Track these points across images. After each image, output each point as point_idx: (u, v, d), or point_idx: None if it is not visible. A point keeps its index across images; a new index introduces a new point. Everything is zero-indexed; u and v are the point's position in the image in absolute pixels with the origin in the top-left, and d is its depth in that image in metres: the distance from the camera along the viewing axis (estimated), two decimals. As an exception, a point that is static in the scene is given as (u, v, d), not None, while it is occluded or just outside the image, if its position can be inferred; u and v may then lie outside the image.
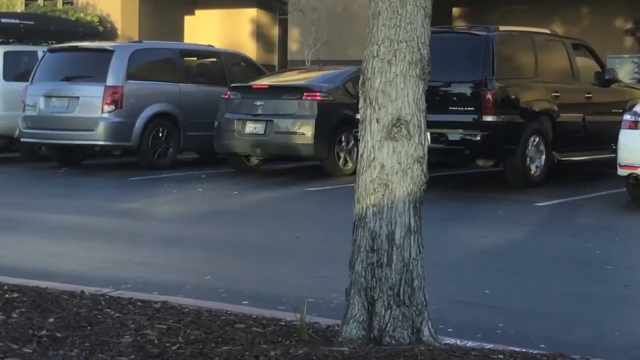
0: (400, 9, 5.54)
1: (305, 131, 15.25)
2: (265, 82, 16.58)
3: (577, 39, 16.61)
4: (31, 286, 7.12)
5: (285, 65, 22.86)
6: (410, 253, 5.54)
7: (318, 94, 15.50)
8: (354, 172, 15.10)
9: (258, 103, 15.60)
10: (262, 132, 15.46)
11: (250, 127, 15.58)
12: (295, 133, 15.33)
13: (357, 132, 5.77)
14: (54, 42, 18.74)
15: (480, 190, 14.48)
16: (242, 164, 16.47)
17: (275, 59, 26.68)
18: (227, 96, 16.07)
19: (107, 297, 6.88)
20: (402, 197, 5.52)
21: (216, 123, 16.02)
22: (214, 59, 18.50)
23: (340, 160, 15.66)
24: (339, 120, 15.51)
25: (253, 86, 16.18)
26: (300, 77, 16.93)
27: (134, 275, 8.29)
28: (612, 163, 12.97)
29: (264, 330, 5.98)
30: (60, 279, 7.82)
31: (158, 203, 13.05)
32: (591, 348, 6.21)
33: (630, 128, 12.55)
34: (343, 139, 15.66)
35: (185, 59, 17.93)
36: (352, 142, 15.60)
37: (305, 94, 15.49)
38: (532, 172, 14.20)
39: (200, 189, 14.24)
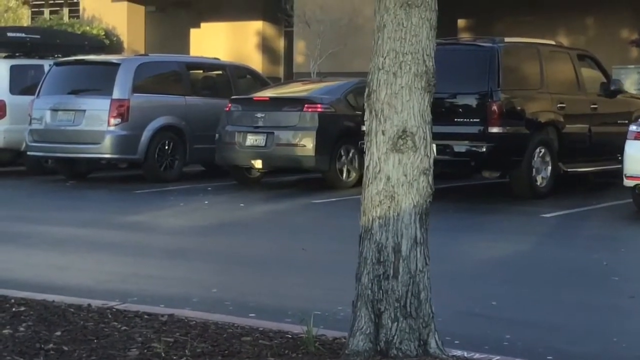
0: (405, 21, 5.55)
1: (307, 143, 15.22)
2: (266, 94, 16.54)
3: (583, 50, 16.62)
4: (38, 299, 7.12)
5: (291, 77, 22.88)
6: (416, 265, 5.54)
7: (319, 105, 15.47)
8: (355, 185, 15.30)
9: (259, 115, 15.59)
10: (263, 144, 15.44)
11: (251, 139, 15.57)
12: (296, 145, 15.30)
13: (363, 144, 5.78)
14: (60, 55, 18.78)
15: (486, 201, 14.48)
16: (243, 176, 16.45)
17: (281, 71, 26.71)
18: (228, 108, 16.07)
19: (114, 310, 6.88)
20: (408, 209, 5.53)
21: (217, 135, 16.03)
22: (220, 72, 18.53)
23: (342, 173, 15.64)
24: (340, 132, 15.51)
25: (254, 98, 16.18)
26: (301, 88, 16.93)
27: (141, 288, 8.30)
28: (618, 174, 12.96)
29: (271, 342, 5.98)
30: (67, 292, 7.82)
31: (164, 216, 13.06)
32: (598, 359, 6.19)
33: (636, 139, 12.54)
34: (344, 151, 15.63)
35: (191, 71, 17.95)
36: (354, 153, 15.57)
37: (306, 105, 15.46)
38: (538, 183, 14.19)
39: (206, 202, 14.24)
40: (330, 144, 15.35)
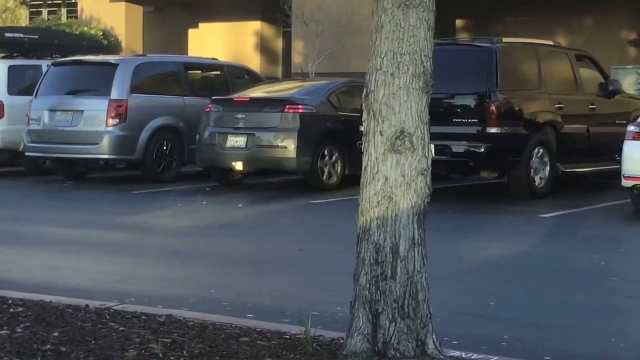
0: (403, 21, 5.55)
1: (288, 144, 14.98)
2: (247, 94, 16.28)
3: (581, 50, 16.62)
4: (35, 300, 7.12)
5: (289, 77, 22.87)
6: (414, 265, 5.54)
7: (300, 106, 15.21)
8: (338, 187, 15.10)
9: (239, 116, 15.36)
10: (244, 146, 15.20)
11: (232, 141, 15.32)
12: (277, 146, 15.04)
13: (361, 144, 5.77)
14: (58, 56, 18.77)
15: (484, 202, 14.48)
16: (224, 178, 16.17)
17: (279, 71, 26.71)
18: (208, 109, 15.82)
19: (112, 310, 6.88)
20: (406, 210, 5.52)
21: (197, 136, 15.80)
22: (218, 72, 18.53)
23: (324, 174, 15.36)
24: (322, 133, 15.30)
25: (234, 99, 15.96)
26: (282, 89, 16.70)
27: (139, 288, 8.29)
28: (617, 174, 12.96)
29: (269, 343, 5.97)
30: (65, 292, 7.81)
31: (162, 216, 13.06)
32: (596, 359, 6.19)
33: (634, 139, 12.55)
34: (326, 152, 15.37)
35: (189, 72, 17.95)
36: (336, 155, 15.38)
37: (287, 106, 15.20)
38: (536, 184, 14.19)
39: (204, 202, 14.24)
40: (312, 146, 15.11)
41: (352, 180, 15.36)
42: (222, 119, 15.63)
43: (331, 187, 15.26)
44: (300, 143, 14.97)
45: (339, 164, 15.47)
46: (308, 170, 15.23)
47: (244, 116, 15.33)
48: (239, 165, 15.40)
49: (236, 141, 15.29)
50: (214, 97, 16.16)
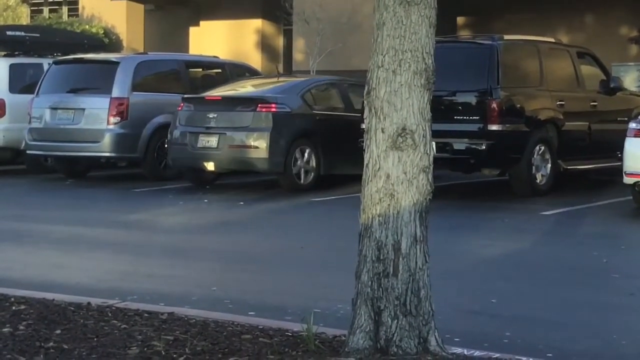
0: (404, 19, 5.55)
1: (260, 144, 14.57)
2: (218, 93, 15.84)
3: (582, 47, 16.60)
4: (38, 298, 7.12)
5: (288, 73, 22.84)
6: (416, 263, 5.54)
7: (273, 105, 14.79)
8: (312, 188, 14.86)
9: (211, 115, 14.95)
10: (215, 146, 14.80)
11: (203, 141, 14.92)
12: (249, 146, 14.65)
13: (362, 141, 5.77)
14: (59, 54, 18.77)
15: (485, 199, 14.48)
16: (197, 178, 15.82)
17: (280, 69, 26.68)
18: (180, 108, 15.45)
19: (114, 308, 6.88)
20: (408, 207, 5.53)
21: (169, 136, 15.48)
22: (219, 70, 18.52)
23: (299, 175, 14.99)
24: (296, 133, 14.89)
25: (206, 97, 15.57)
26: (255, 87, 16.30)
27: (141, 286, 8.30)
28: (618, 171, 12.96)
29: (271, 340, 5.98)
30: (67, 290, 7.82)
31: (164, 214, 13.06)
32: (598, 357, 6.20)
33: (635, 136, 12.55)
34: (300, 152, 14.97)
35: (190, 70, 17.94)
36: (310, 155, 15.03)
37: (259, 105, 14.78)
38: (538, 181, 14.18)
39: (206, 200, 14.24)
40: (285, 146, 14.70)
41: (328, 181, 15.25)
42: (194, 118, 15.24)
43: (305, 188, 14.92)
44: (273, 143, 14.58)
45: (314, 165, 15.10)
46: (281, 171, 14.84)
47: (215, 115, 14.93)
48: (210, 166, 14.99)
49: (207, 141, 14.90)
50: (185, 96, 15.78)
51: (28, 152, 17.19)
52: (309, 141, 15.09)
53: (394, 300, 5.50)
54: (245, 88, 16.35)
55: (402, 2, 5.54)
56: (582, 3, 22.12)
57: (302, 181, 15.08)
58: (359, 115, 15.73)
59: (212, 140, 14.87)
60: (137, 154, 16.41)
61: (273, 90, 15.50)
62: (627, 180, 12.56)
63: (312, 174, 15.15)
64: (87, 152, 16.50)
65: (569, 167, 14.64)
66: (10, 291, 7.44)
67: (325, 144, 15.10)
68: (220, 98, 15.50)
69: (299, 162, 15.02)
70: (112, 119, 16.18)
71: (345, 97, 16.18)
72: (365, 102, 5.69)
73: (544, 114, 14.38)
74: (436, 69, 5.66)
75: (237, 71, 18.80)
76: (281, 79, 16.47)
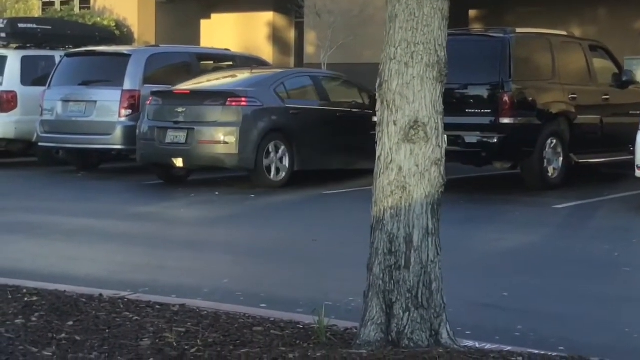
0: (417, 11, 5.54)
1: (229, 140, 14.15)
2: (187, 86, 15.34)
3: (594, 41, 16.57)
4: (50, 290, 7.14)
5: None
6: (428, 255, 5.54)
7: (243, 99, 14.36)
8: (286, 184, 14.57)
9: (180, 109, 14.49)
10: (184, 141, 14.35)
11: (171, 136, 14.48)
12: (218, 142, 14.22)
13: (374, 133, 5.77)
14: (71, 46, 18.80)
15: (497, 192, 14.46)
16: (166, 174, 15.38)
17: (291, 62, 26.69)
18: (148, 102, 15.03)
19: (126, 300, 6.90)
20: (420, 200, 5.52)
21: (137, 131, 15.07)
22: (230, 63, 18.50)
23: (270, 171, 14.56)
24: (267, 128, 14.45)
25: (174, 91, 15.07)
26: (226, 80, 15.69)
27: (152, 278, 8.31)
28: (630, 165, 12.93)
29: (282, 333, 5.98)
30: (79, 282, 7.84)
31: (175, 207, 13.08)
32: (610, 350, 6.19)
33: (647, 130, 12.51)
34: (272, 147, 14.52)
35: (201, 62, 17.94)
36: (283, 150, 14.61)
37: (229, 99, 14.35)
38: (550, 174, 14.16)
39: (217, 192, 14.25)
40: (256, 141, 14.26)
41: (302, 176, 14.97)
42: (162, 113, 14.78)
43: (278, 185, 14.55)
44: (243, 138, 14.15)
45: (287, 160, 14.68)
46: (252, 168, 14.41)
47: (184, 110, 14.48)
48: (179, 162, 14.54)
49: (176, 136, 14.47)
50: (153, 90, 15.34)
51: (40, 144, 17.22)
52: (282, 136, 14.63)
53: (406, 293, 5.49)
54: (216, 81, 15.81)
55: (414, -6, 5.53)
56: (595, -4, 22.07)
57: (274, 178, 14.64)
58: (336, 108, 15.70)
59: (181, 136, 14.42)
60: (148, 147, 16.39)
61: (244, 84, 15.02)
62: (639, 173, 12.52)
63: (286, 170, 14.74)
64: (98, 145, 16.52)
65: (580, 161, 14.62)
66: (23, 283, 7.46)
67: (299, 139, 14.70)
68: (189, 92, 15.00)
69: (271, 158, 14.55)
70: (124, 112, 16.20)
71: (322, 91, 15.84)
72: (377, 94, 5.68)
73: (556, 108, 14.35)
74: (448, 61, 5.65)
75: (249, 64, 18.79)
76: (255, 71, 15.96)
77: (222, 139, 14.23)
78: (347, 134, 15.40)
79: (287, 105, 14.93)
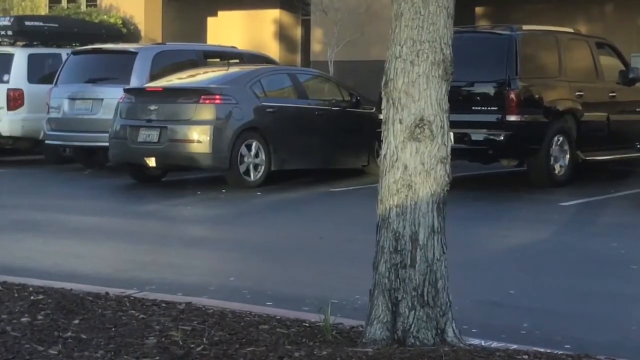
0: (422, 9, 5.53)
1: (202, 139, 13.80)
2: (160, 83, 15.07)
3: (601, 38, 16.54)
4: (56, 288, 7.15)
5: (308, 65, 22.83)
6: (433, 253, 5.53)
7: (217, 96, 14.05)
8: (262, 183, 14.31)
9: (152, 107, 14.16)
10: (156, 140, 14.02)
11: (144, 135, 14.16)
12: (191, 141, 13.88)
13: (380, 132, 5.76)
14: (77, 44, 18.82)
15: (504, 190, 14.45)
16: (139, 174, 15.07)
17: (298, 60, 26.68)
18: (121, 99, 14.74)
19: (132, 298, 6.90)
20: (426, 198, 5.52)
21: (110, 130, 14.78)
22: (237, 60, 18.50)
23: (246, 171, 14.24)
24: (242, 126, 14.11)
25: (146, 89, 14.85)
26: (200, 78, 15.39)
27: (158, 276, 8.32)
28: (637, 162, 12.92)
29: (288, 331, 5.98)
30: (85, 280, 7.84)
31: (181, 204, 13.09)
32: (617, 348, 6.17)
33: (655, 127, 12.50)
34: (247, 147, 14.20)
35: (208, 60, 17.94)
36: (259, 149, 14.28)
37: (202, 97, 14.04)
38: (556, 172, 14.15)
39: (223, 190, 14.25)
40: (230, 140, 13.92)
41: (279, 176, 14.77)
42: (134, 111, 14.48)
43: (254, 185, 14.22)
44: (217, 137, 13.83)
45: (264, 160, 14.36)
46: (226, 167, 14.09)
47: (156, 108, 14.14)
48: (151, 162, 14.24)
49: (148, 135, 14.14)
50: (126, 87, 15.13)
51: (46, 142, 17.25)
52: (257, 135, 14.31)
53: (412, 291, 5.49)
54: (189, 78, 15.48)
55: (420, -8, 5.52)
56: (601, -7, 22.03)
57: (251, 177, 14.33)
58: (315, 107, 15.58)
59: (153, 134, 14.11)
60: (155, 144, 16.40)
61: (218, 81, 14.70)
62: (646, 171, 12.52)
63: (262, 169, 14.40)
64: (105, 142, 16.47)
65: (587, 158, 14.60)
66: (29, 281, 7.47)
67: (276, 137, 14.42)
68: (161, 89, 14.71)
69: (246, 157, 14.23)
70: (130, 109, 16.17)
71: (300, 88, 15.58)
72: (382, 92, 5.68)
73: (562, 105, 14.33)
74: (454, 59, 5.64)
75: (256, 61, 18.76)
76: (230, 69, 15.58)
77: (195, 137, 13.91)
78: (327, 132, 15.23)
79: (264, 103, 14.60)
